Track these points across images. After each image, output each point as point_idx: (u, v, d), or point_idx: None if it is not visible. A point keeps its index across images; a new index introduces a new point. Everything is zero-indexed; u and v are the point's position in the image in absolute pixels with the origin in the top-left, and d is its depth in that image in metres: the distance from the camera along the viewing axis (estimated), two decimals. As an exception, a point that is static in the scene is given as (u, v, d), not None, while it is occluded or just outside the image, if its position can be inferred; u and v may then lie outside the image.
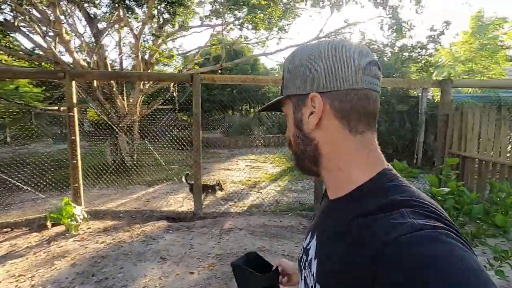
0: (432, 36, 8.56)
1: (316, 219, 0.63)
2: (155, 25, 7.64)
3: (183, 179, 5.12)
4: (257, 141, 11.16)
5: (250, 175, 7.80)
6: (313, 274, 0.51)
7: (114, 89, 7.02)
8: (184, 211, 4.53)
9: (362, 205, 0.47)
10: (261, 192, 6.13)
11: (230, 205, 5.14)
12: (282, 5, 6.51)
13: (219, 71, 10.02)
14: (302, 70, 0.52)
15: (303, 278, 0.58)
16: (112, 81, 6.90)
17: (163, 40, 7.41)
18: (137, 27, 7.25)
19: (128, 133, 7.66)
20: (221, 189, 5.30)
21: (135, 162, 7.56)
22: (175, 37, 8.88)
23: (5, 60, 8.99)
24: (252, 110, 15.89)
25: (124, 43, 9.20)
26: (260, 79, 4.57)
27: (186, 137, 7.70)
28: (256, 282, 0.75)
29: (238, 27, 7.67)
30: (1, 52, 7.64)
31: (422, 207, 0.43)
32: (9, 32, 6.52)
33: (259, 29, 7.48)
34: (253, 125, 13.21)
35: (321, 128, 0.52)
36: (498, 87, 6.79)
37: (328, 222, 0.54)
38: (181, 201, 5.38)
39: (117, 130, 6.90)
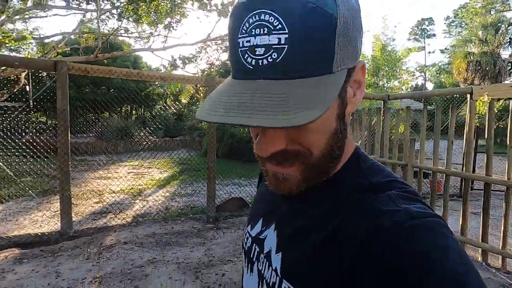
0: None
1: (266, 205, 0.54)
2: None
3: None
4: (148, 145, 10.19)
5: (134, 183, 7.03)
6: (276, 269, 0.44)
7: None
8: (45, 233, 3.59)
9: (343, 187, 0.42)
10: (147, 200, 5.59)
11: (110, 218, 4.44)
12: (170, 1, 6.15)
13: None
14: (351, 30, 0.36)
15: (255, 270, 0.50)
16: None
17: (8, 17, 5.75)
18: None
19: None
20: None
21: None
22: (26, 16, 7.06)
23: None
24: (134, 112, 14.48)
25: None
26: (146, 75, 4.15)
27: (44, 142, 6.18)
28: None
29: (116, 16, 6.81)
30: None
31: (405, 189, 0.40)
32: None
33: (142, 22, 6.86)
34: (136, 128, 12.03)
35: None
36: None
37: (295, 210, 0.46)
38: (40, 221, 4.27)
39: None
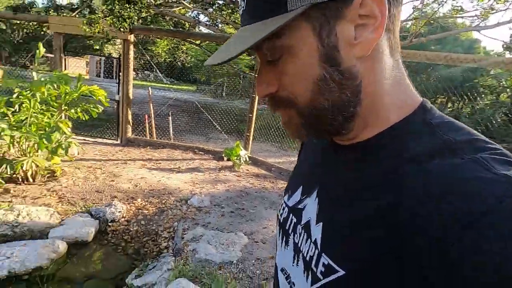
0: None
1: (307, 172, 0.49)
2: None
3: None
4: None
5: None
6: (316, 241, 0.38)
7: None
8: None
9: (404, 149, 0.33)
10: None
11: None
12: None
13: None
14: None
15: (291, 243, 0.44)
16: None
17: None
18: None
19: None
20: None
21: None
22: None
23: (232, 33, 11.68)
24: (450, 104, 12.93)
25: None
26: (455, 58, 3.61)
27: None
28: None
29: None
30: (230, 26, 10.01)
31: (495, 149, 0.29)
32: (237, 9, 8.37)
33: (484, -2, 5.70)
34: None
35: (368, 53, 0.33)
36: None
37: (342, 176, 0.39)
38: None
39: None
